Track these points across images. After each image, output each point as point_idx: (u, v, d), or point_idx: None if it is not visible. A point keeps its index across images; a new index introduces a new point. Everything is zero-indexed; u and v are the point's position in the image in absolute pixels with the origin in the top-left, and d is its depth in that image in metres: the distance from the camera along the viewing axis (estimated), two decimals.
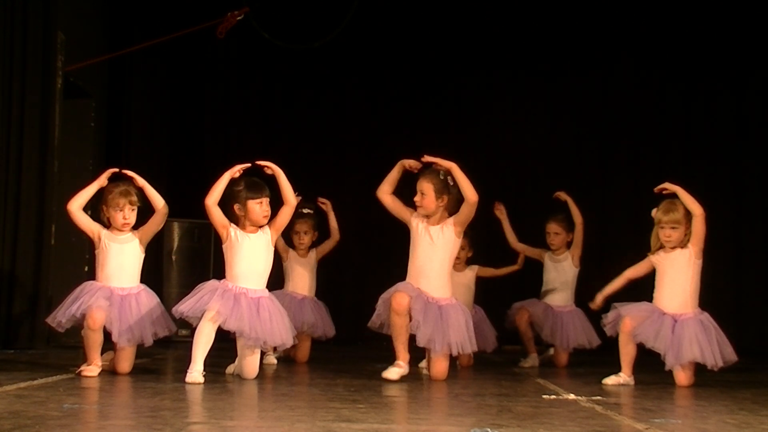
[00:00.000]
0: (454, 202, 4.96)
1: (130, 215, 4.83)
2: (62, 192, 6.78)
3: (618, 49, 8.99)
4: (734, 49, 8.68)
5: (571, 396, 4.06)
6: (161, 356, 6.09)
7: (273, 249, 4.80)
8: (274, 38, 8.12)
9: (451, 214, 4.97)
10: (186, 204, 8.78)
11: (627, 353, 4.88)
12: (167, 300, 8.01)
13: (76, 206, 4.81)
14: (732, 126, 8.70)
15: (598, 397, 4.00)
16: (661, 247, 5.04)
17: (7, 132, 6.17)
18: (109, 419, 3.12)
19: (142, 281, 4.95)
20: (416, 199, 4.93)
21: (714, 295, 8.51)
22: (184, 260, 8.38)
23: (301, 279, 6.18)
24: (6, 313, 6.07)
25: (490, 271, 6.47)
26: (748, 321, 8.25)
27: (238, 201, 4.73)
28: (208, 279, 8.58)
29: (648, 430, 2.99)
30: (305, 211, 6.05)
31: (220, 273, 8.40)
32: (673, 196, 5.01)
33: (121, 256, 4.82)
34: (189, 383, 4.34)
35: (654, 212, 5.08)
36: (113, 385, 4.26)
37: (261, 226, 4.76)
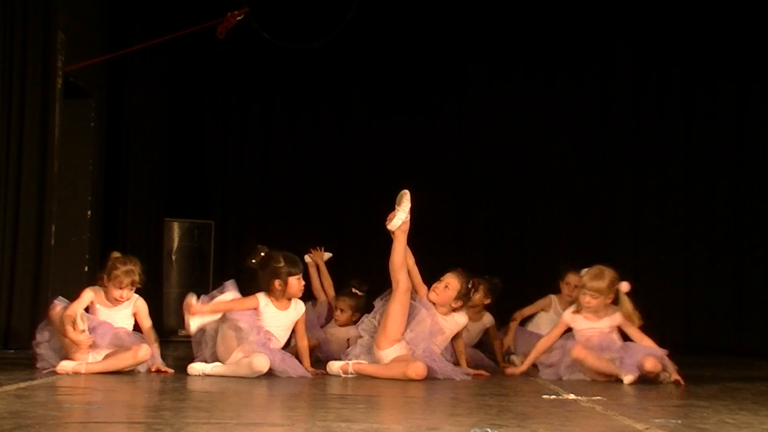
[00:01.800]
0: None
1: (129, 294, 4.84)
2: (62, 192, 6.79)
3: (617, 47, 9.02)
4: (735, 49, 8.69)
5: (571, 396, 4.06)
6: (162, 356, 6.07)
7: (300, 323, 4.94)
8: (274, 38, 8.12)
9: None
10: (186, 204, 8.81)
11: (605, 364, 4.89)
12: (167, 299, 8.04)
13: None
14: (733, 124, 8.70)
15: (598, 397, 4.00)
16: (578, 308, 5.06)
17: (7, 132, 6.16)
18: (110, 419, 3.12)
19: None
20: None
21: (714, 295, 8.57)
22: (184, 260, 8.38)
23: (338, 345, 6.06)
24: (6, 313, 6.06)
25: (496, 342, 6.20)
26: (748, 321, 8.26)
27: (279, 277, 4.81)
28: (208, 279, 8.61)
29: (648, 430, 2.98)
30: (358, 292, 5.91)
31: (220, 273, 8.45)
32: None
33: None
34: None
35: (583, 272, 5.09)
36: (113, 385, 4.26)
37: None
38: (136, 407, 3.62)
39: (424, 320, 4.97)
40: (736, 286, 8.47)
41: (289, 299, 4.88)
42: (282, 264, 4.82)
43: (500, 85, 9.14)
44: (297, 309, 4.92)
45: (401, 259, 4.93)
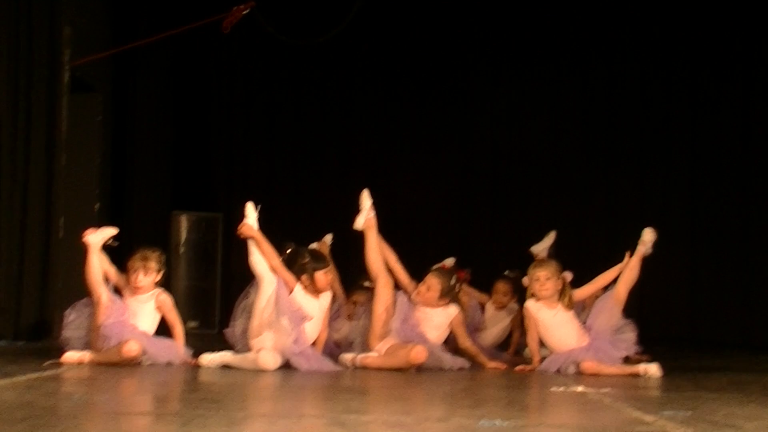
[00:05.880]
0: None
1: (143, 280, 4.91)
2: (70, 185, 6.80)
3: (623, 43, 9.02)
4: (740, 45, 8.66)
5: (580, 388, 4.06)
6: None
7: (327, 314, 5.06)
8: (279, 33, 8.13)
9: None
10: (192, 197, 8.82)
11: (622, 368, 4.93)
12: (175, 292, 8.03)
13: None
14: (739, 119, 8.67)
15: (607, 389, 4.00)
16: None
17: (15, 126, 6.18)
18: (119, 410, 3.13)
19: None
20: None
21: (720, 290, 8.56)
22: (192, 253, 8.40)
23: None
24: (16, 304, 6.09)
25: (515, 332, 6.28)
26: (754, 316, 8.24)
27: (306, 272, 4.96)
28: (216, 272, 8.60)
29: (657, 422, 2.98)
30: (366, 284, 5.99)
31: (227, 266, 8.45)
32: None
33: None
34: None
35: (526, 280, 5.26)
36: (123, 376, 4.27)
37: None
38: (145, 398, 3.64)
39: (400, 309, 5.10)
40: (741, 280, 8.45)
41: (318, 292, 4.98)
42: (307, 260, 4.97)
43: (506, 80, 9.14)
44: (326, 298, 5.05)
45: (375, 254, 5.15)
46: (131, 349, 4.64)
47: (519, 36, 9.08)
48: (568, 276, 5.25)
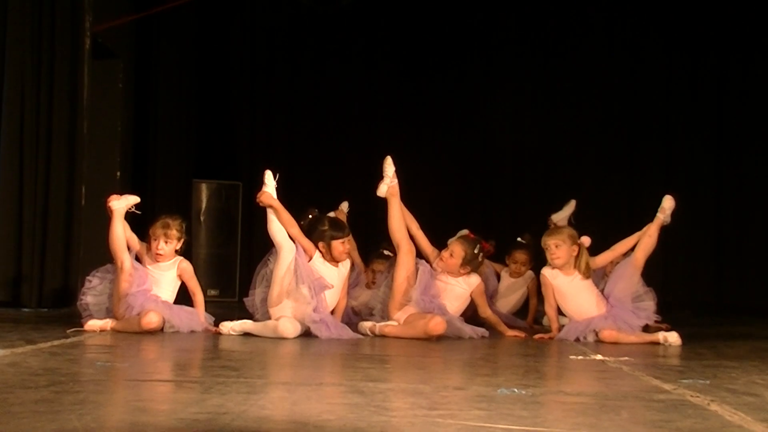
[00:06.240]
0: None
1: (165, 248, 4.92)
2: (91, 153, 6.84)
3: (648, 14, 8.89)
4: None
5: (599, 357, 4.05)
6: None
7: (346, 282, 5.08)
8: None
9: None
10: (214, 165, 8.84)
11: (642, 336, 4.91)
12: (196, 260, 8.09)
13: None
14: (766, 84, 8.57)
15: (626, 358, 3.99)
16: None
17: (37, 93, 6.21)
18: (140, 377, 3.16)
19: None
20: None
21: (745, 255, 8.49)
22: (213, 221, 8.44)
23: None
24: (39, 272, 6.16)
25: (532, 300, 6.34)
26: None
27: (323, 240, 4.94)
28: (236, 240, 8.66)
29: (676, 390, 2.98)
30: (386, 252, 5.99)
31: (248, 234, 8.49)
32: None
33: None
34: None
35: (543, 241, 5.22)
36: (144, 344, 4.31)
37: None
38: (166, 365, 3.67)
39: (422, 279, 5.09)
40: (767, 245, 8.39)
41: (336, 261, 4.97)
42: (326, 227, 4.96)
43: (533, 49, 9.05)
44: (345, 266, 5.05)
45: (398, 222, 5.12)
46: (151, 321, 4.68)
47: (546, 8, 8.97)
48: (587, 241, 5.19)
